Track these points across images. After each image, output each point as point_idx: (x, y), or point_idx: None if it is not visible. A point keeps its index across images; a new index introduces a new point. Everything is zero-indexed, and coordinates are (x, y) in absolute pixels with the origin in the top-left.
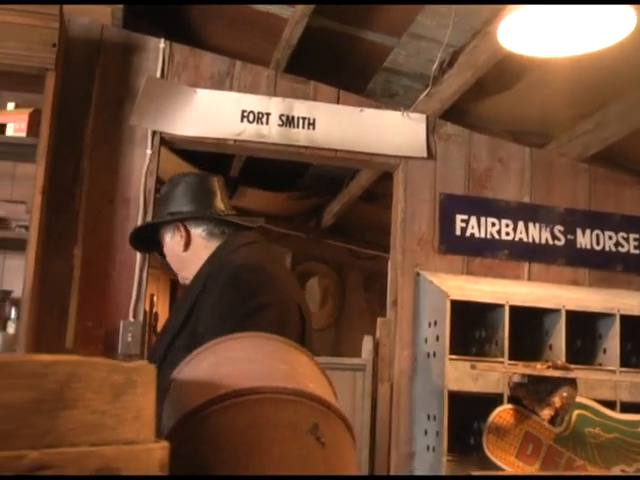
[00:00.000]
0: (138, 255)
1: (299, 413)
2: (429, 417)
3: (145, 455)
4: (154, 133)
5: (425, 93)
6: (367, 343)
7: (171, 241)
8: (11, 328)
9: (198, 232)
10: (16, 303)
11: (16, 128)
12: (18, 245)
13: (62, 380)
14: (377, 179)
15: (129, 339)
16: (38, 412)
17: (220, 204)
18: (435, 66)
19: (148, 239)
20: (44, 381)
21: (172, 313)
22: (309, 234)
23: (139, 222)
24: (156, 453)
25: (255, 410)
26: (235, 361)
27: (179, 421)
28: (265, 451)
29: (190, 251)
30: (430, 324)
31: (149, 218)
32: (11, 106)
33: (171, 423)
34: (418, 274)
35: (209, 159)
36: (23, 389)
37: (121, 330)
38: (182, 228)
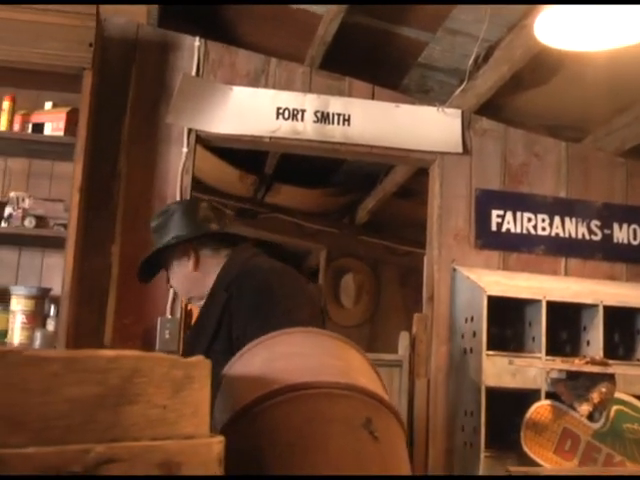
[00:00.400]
0: None
1: (353, 408)
2: (466, 413)
3: (204, 449)
4: (190, 131)
5: (460, 88)
6: (404, 339)
7: (179, 264)
8: (50, 325)
9: (204, 251)
10: (55, 301)
11: (54, 127)
12: (57, 243)
13: (125, 375)
14: (412, 175)
15: (166, 336)
16: (103, 407)
17: (214, 222)
18: (471, 61)
19: (150, 269)
20: (108, 376)
21: (200, 319)
22: (343, 230)
23: None
24: (214, 447)
25: (310, 405)
26: (288, 356)
27: (234, 416)
28: (320, 445)
29: (200, 270)
30: (467, 320)
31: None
32: (49, 105)
33: (224, 418)
34: (454, 270)
35: (244, 157)
36: (88, 384)
37: (158, 327)
38: (190, 249)
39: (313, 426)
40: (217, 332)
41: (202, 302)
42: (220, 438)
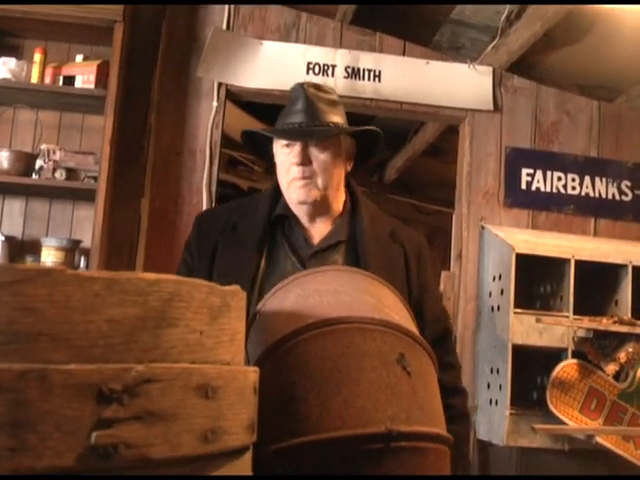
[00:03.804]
0: (204, 206)
1: (386, 343)
2: (492, 370)
3: (242, 376)
4: (220, 85)
5: (492, 45)
6: None
7: (338, 156)
8: None
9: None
10: (85, 253)
11: (84, 80)
12: (87, 196)
13: (165, 298)
14: (441, 133)
15: None
16: (143, 328)
17: None
18: (503, 17)
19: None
20: (148, 298)
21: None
22: (372, 189)
23: (205, 174)
24: (250, 375)
25: (344, 339)
26: (322, 293)
27: (268, 349)
28: (355, 378)
29: (341, 180)
30: (495, 278)
31: (215, 170)
32: (79, 58)
33: (258, 352)
34: (483, 228)
35: (273, 112)
36: (129, 305)
37: None
38: (353, 150)
39: (347, 359)
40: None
41: (307, 209)
42: (255, 368)
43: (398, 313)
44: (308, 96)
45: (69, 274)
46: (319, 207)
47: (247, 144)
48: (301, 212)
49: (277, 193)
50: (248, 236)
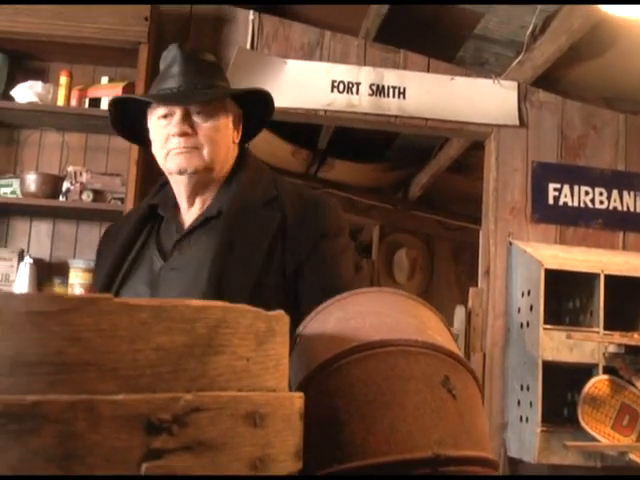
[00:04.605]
0: None
1: (431, 366)
2: (522, 387)
3: (288, 402)
4: None
5: (518, 60)
6: (459, 313)
7: (223, 124)
8: None
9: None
10: None
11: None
12: (114, 217)
13: (212, 325)
14: (465, 149)
15: None
16: (190, 356)
17: None
18: (529, 32)
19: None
20: (195, 326)
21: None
22: (397, 206)
23: None
24: (296, 401)
25: (388, 362)
26: (364, 315)
27: (310, 374)
28: (400, 402)
29: (233, 147)
30: (523, 293)
31: None
32: (105, 80)
33: (300, 376)
34: (511, 243)
35: (297, 130)
36: (176, 333)
37: None
38: (240, 114)
39: (391, 383)
40: (268, 263)
41: (191, 181)
42: (300, 394)
43: (441, 335)
44: (186, 57)
45: (116, 302)
46: (202, 180)
47: (117, 126)
48: (180, 187)
49: (159, 188)
50: (118, 240)
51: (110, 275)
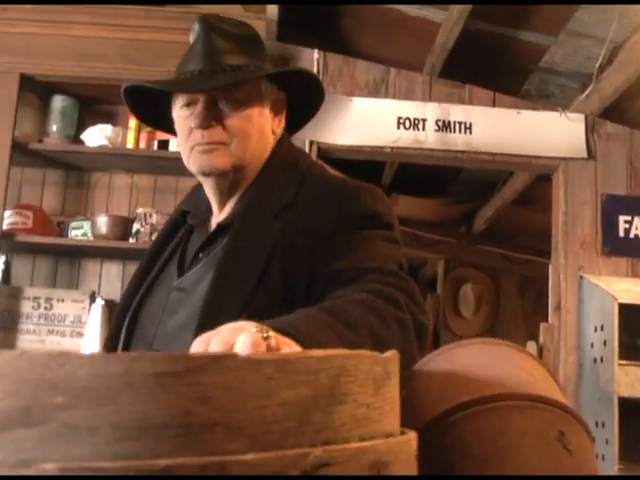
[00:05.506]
0: None
1: (545, 420)
2: (597, 424)
3: (407, 446)
4: (312, 143)
5: (586, 92)
6: (531, 349)
7: (263, 106)
8: None
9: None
10: None
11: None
12: None
13: (334, 375)
14: (531, 182)
15: None
16: (315, 408)
17: None
18: (597, 64)
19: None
20: (319, 376)
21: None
22: (461, 240)
23: None
24: (413, 443)
25: (501, 417)
26: (472, 367)
27: (421, 430)
28: (516, 459)
29: (272, 140)
30: (596, 328)
31: None
32: None
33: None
34: (582, 277)
35: (361, 167)
36: (301, 385)
37: None
38: (284, 100)
39: (506, 439)
40: (261, 283)
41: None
42: (414, 433)
43: (549, 386)
44: (211, 32)
45: (241, 359)
46: (232, 181)
47: (138, 113)
48: (210, 190)
49: (196, 189)
50: (147, 254)
51: (129, 297)
